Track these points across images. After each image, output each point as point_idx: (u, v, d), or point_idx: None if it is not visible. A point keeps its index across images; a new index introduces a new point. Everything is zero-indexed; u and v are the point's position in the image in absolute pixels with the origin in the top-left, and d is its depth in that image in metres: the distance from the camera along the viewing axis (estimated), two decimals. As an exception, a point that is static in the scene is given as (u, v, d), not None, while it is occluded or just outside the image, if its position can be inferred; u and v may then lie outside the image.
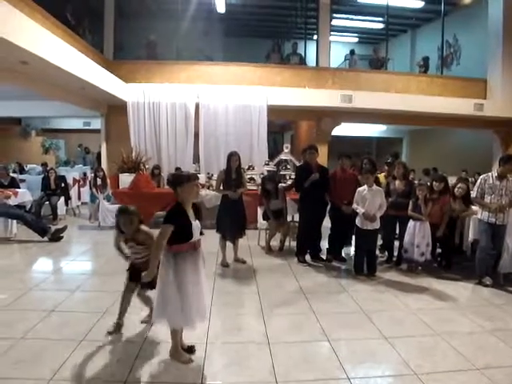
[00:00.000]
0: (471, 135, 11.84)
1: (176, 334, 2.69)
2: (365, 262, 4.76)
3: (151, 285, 2.71)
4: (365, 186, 4.68)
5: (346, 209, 5.01)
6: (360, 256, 4.79)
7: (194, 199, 2.68)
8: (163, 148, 9.10)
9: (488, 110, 9.89)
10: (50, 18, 6.64)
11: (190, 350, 2.79)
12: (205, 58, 10.68)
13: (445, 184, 5.03)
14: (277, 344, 2.97)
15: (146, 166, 8.57)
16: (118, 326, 3.04)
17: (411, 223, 4.89)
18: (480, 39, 10.84)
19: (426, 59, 11.41)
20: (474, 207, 4.90)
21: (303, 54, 11.48)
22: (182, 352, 2.72)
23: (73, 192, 8.67)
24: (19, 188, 7.14)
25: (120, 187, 7.76)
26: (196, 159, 9.27)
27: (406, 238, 4.91)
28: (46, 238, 6.00)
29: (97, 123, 10.54)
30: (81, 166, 13.88)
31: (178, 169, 7.85)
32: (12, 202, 6.46)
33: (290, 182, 6.96)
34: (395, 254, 5.28)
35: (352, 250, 5.66)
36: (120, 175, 8.05)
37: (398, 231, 5.37)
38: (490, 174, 4.50)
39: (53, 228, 6.22)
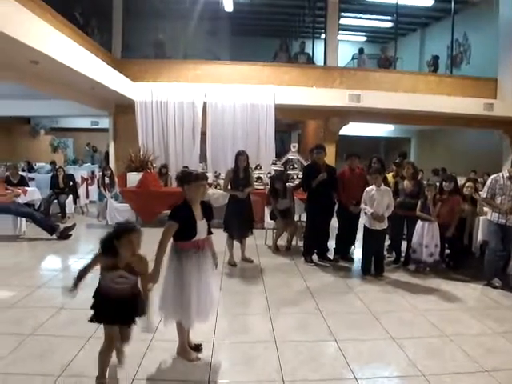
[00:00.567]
0: (480, 135, 11.70)
1: (183, 332, 2.70)
2: (372, 263, 4.74)
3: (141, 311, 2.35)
4: (373, 186, 4.65)
5: (354, 209, 5.00)
6: (368, 256, 4.76)
7: (200, 198, 2.68)
8: (171, 147, 9.14)
9: (498, 110, 9.76)
10: (58, 16, 6.69)
11: (197, 348, 2.80)
12: (212, 57, 10.69)
13: (455, 184, 4.98)
14: (284, 343, 2.96)
15: (154, 165, 8.60)
16: None
17: (419, 223, 4.85)
18: (490, 38, 10.69)
19: (436, 58, 11.33)
20: (485, 208, 4.85)
21: (311, 53, 11.41)
22: (190, 350, 2.73)
23: (81, 190, 8.74)
24: (28, 186, 7.21)
25: (128, 186, 7.81)
26: (203, 158, 9.29)
27: (415, 238, 4.87)
28: (54, 236, 6.06)
29: (105, 122, 10.61)
30: (89, 164, 13.97)
31: (185, 167, 7.86)
32: (21, 200, 6.53)
33: (297, 182, 6.95)
34: (403, 254, 5.25)
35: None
36: (128, 174, 8.09)
37: (405, 231, 5.34)
38: (500, 174, 4.43)
39: (61, 226, 6.28)
